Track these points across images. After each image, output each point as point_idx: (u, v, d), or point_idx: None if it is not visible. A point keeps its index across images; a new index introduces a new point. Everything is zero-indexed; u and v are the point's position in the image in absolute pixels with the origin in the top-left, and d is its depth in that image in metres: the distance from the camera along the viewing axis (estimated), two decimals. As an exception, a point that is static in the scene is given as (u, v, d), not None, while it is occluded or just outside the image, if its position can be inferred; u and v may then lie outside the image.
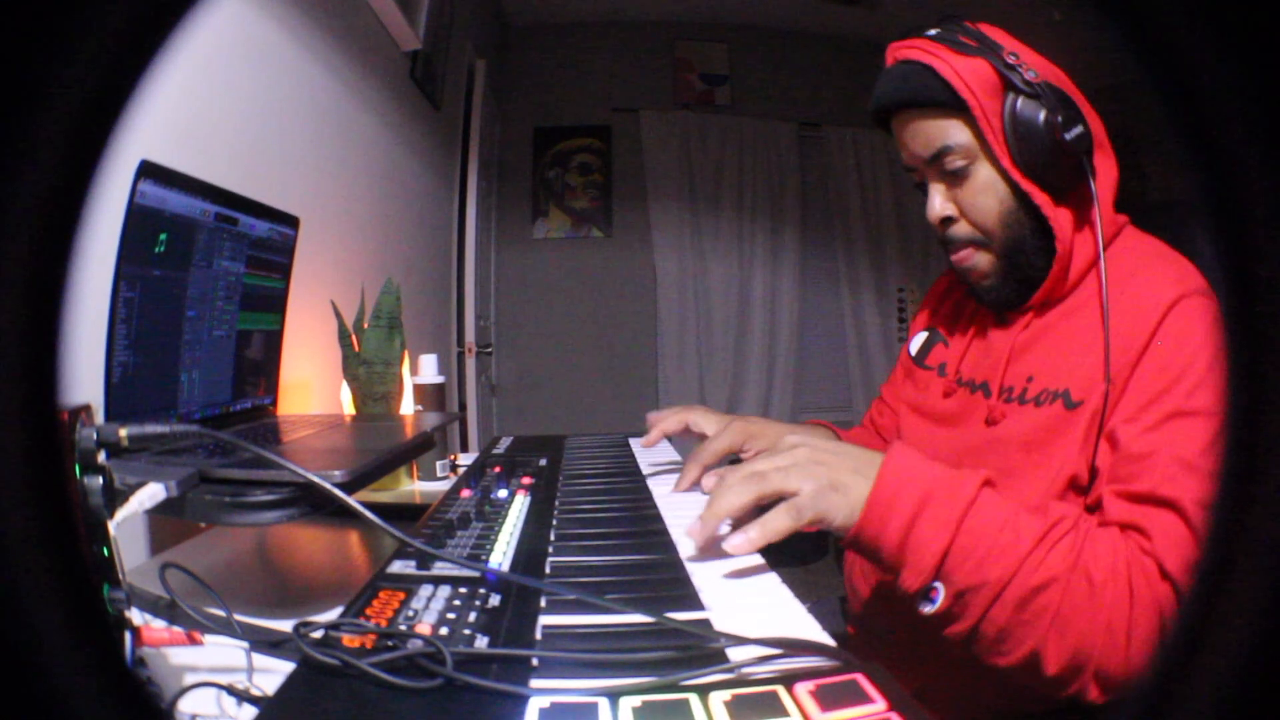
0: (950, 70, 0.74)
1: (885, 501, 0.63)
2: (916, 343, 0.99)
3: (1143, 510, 0.65)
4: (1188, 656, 0.23)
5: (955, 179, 0.79)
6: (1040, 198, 0.75)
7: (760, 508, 0.66)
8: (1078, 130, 0.72)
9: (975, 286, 0.83)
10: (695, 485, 0.89)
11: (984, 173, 0.77)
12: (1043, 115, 0.72)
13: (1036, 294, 0.79)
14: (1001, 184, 0.77)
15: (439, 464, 1.16)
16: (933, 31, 0.77)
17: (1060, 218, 0.76)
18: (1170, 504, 0.63)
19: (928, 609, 0.63)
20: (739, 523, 0.66)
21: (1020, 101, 0.73)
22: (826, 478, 0.65)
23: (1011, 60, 0.74)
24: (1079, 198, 0.77)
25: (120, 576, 0.40)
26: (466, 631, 0.47)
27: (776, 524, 0.64)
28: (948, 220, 0.81)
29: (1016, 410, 0.78)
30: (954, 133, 0.77)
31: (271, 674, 0.46)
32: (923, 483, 0.64)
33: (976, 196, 0.78)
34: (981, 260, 0.81)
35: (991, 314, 0.86)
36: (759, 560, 0.66)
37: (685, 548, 0.68)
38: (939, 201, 0.81)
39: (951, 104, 0.75)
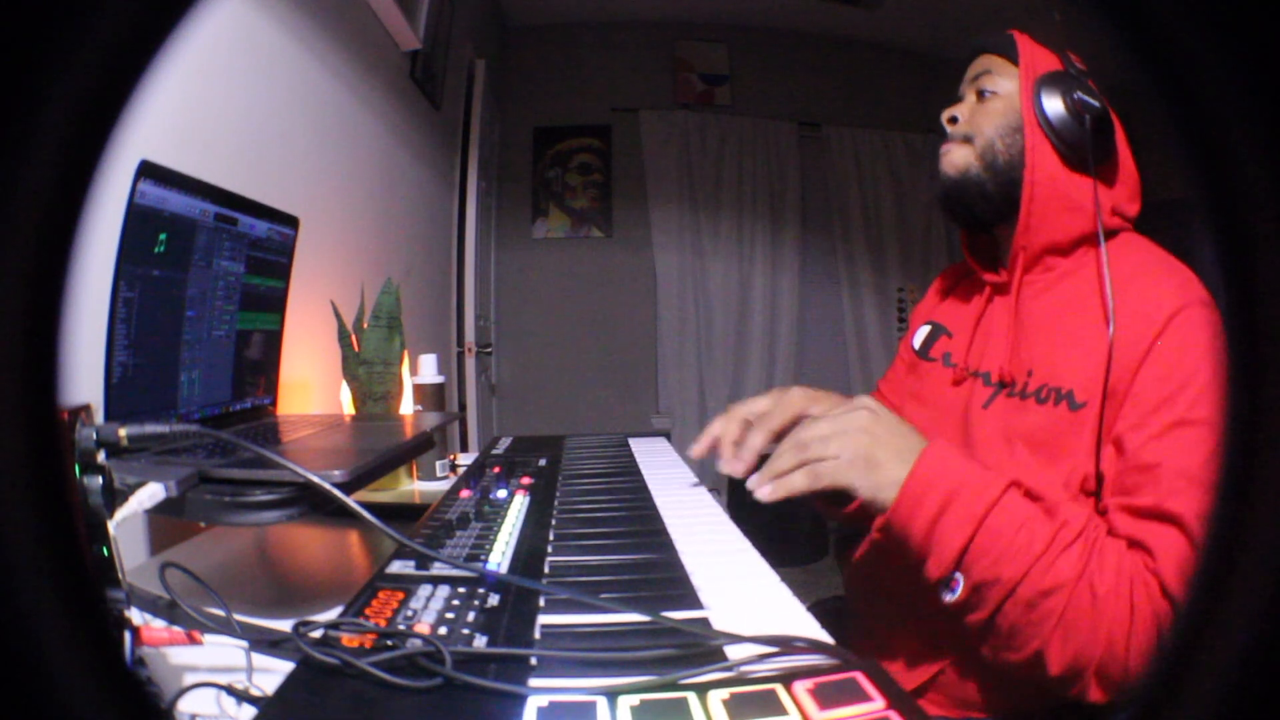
0: (1025, 39, 0.85)
1: (916, 494, 0.67)
2: (919, 336, 0.99)
3: (1148, 527, 0.66)
4: (1187, 660, 0.23)
5: (982, 100, 0.86)
6: (1035, 136, 0.80)
7: None
8: (1093, 102, 0.78)
9: (942, 176, 0.88)
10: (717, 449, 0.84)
11: (1005, 104, 0.85)
12: (1077, 92, 0.79)
13: (1017, 231, 0.82)
14: (1015, 114, 0.83)
15: (439, 464, 1.16)
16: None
17: (1043, 156, 0.80)
18: (1173, 519, 0.64)
19: (949, 597, 0.67)
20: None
21: (1061, 74, 0.81)
22: (865, 450, 0.69)
23: (1075, 61, 0.82)
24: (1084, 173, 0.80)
25: (120, 576, 0.40)
26: (465, 631, 0.47)
27: (793, 482, 0.69)
28: (954, 120, 0.88)
29: (1018, 405, 0.78)
30: (1003, 71, 0.85)
31: (271, 674, 0.46)
32: (953, 478, 0.67)
33: (990, 113, 0.85)
34: (960, 153, 0.86)
35: (988, 301, 0.87)
36: (759, 560, 0.67)
37: (685, 547, 0.68)
38: (960, 108, 0.88)
39: (1015, 61, 0.85)
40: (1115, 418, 0.70)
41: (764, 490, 0.70)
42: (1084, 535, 0.66)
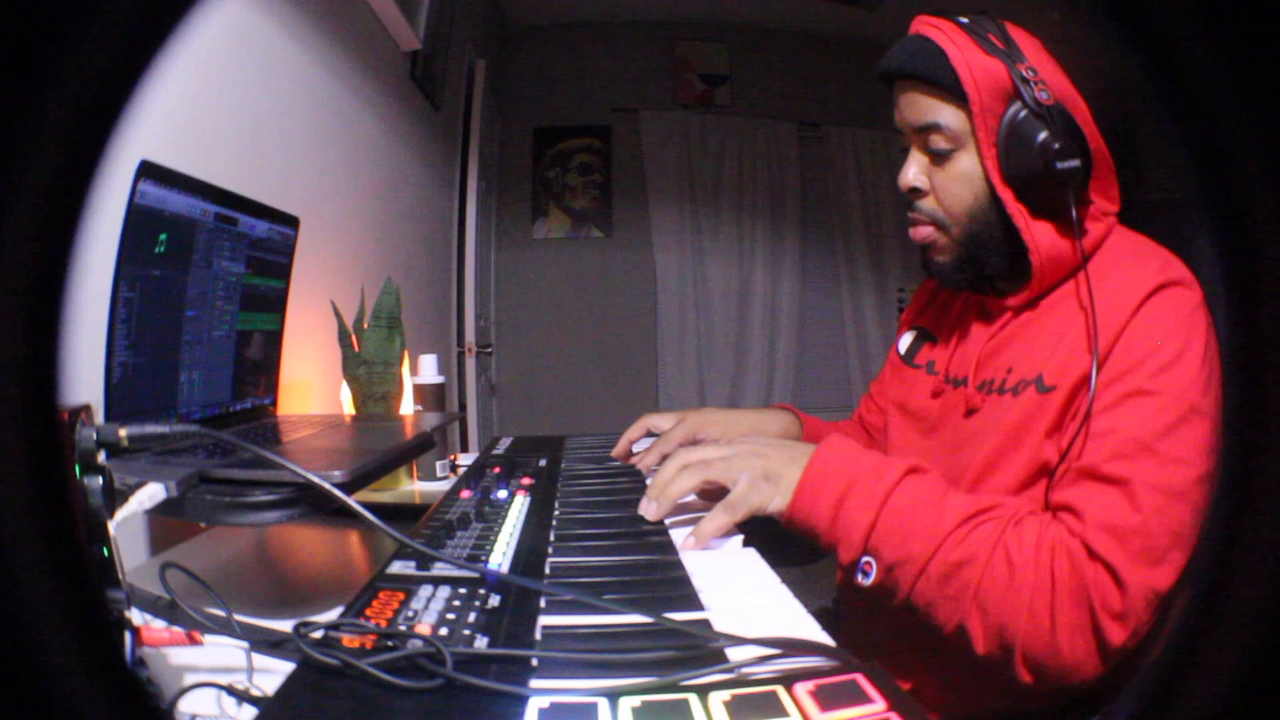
0: (962, 61, 0.73)
1: (814, 484, 0.69)
2: (905, 341, 0.98)
3: (1082, 488, 0.66)
4: (1188, 654, 0.23)
5: (937, 157, 0.78)
6: (1014, 207, 0.75)
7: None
8: (1073, 164, 0.71)
9: (929, 260, 0.83)
10: (653, 470, 0.92)
11: (966, 162, 0.77)
12: (1042, 136, 0.71)
13: (1017, 298, 0.79)
14: (980, 180, 0.76)
15: (439, 464, 1.16)
16: (964, 20, 0.76)
17: (1039, 231, 0.75)
18: (1116, 481, 0.64)
19: (864, 582, 0.68)
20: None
21: (1023, 115, 0.72)
22: (762, 469, 0.71)
23: (1029, 75, 0.73)
24: (1065, 215, 0.75)
25: (120, 576, 0.40)
26: (466, 632, 0.46)
27: (715, 522, 0.69)
28: (916, 191, 0.81)
29: (995, 400, 0.78)
30: (947, 115, 0.76)
31: (271, 674, 0.46)
32: (850, 468, 0.69)
33: (952, 182, 0.78)
34: (940, 240, 0.81)
35: (975, 311, 0.86)
36: (759, 561, 0.67)
37: (685, 548, 0.68)
38: (913, 171, 0.80)
39: (954, 90, 0.74)
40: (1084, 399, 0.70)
41: (691, 544, 0.68)
42: (1006, 516, 0.66)
